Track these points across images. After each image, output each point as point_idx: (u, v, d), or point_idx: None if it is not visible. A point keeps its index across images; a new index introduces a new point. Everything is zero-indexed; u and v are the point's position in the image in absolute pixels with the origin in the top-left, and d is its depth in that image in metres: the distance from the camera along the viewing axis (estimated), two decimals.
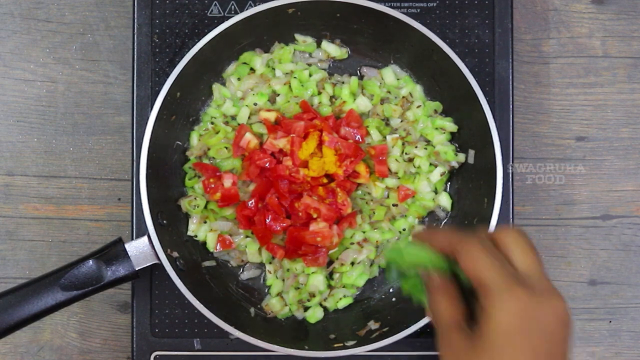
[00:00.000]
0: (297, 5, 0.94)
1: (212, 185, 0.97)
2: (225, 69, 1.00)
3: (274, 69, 1.01)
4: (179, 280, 0.91)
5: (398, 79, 1.01)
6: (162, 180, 0.97)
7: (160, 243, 0.91)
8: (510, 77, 0.99)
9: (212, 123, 0.99)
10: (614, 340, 1.05)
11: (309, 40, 1.01)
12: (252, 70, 1.01)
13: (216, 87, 1.00)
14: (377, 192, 0.99)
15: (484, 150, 0.95)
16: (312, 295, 0.99)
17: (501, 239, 0.71)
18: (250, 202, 0.96)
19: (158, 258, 0.91)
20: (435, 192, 1.01)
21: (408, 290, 0.80)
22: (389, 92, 1.00)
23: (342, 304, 1.00)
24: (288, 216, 0.97)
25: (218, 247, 0.98)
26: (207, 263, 0.99)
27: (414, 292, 0.79)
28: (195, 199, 0.98)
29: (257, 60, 1.00)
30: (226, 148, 0.98)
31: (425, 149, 0.99)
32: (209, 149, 0.99)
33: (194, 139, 0.99)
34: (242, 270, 1.00)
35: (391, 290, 1.01)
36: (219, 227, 0.98)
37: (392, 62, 1.01)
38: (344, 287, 1.00)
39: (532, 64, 1.06)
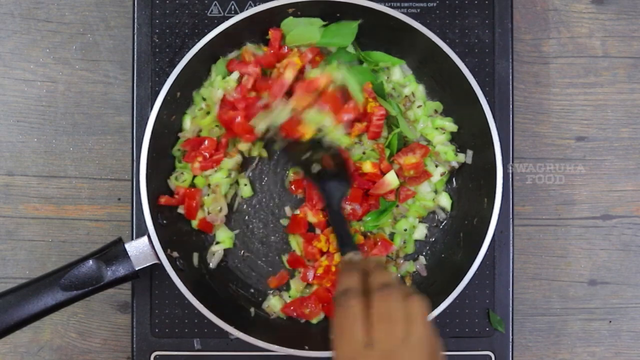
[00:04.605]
0: (297, 5, 0.95)
1: (193, 153, 0.97)
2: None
3: None
4: (179, 280, 0.91)
5: (405, 77, 1.01)
6: (162, 180, 0.97)
7: (160, 243, 0.91)
8: (510, 77, 0.99)
9: (205, 99, 0.98)
10: (614, 340, 1.05)
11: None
12: None
13: (214, 68, 0.99)
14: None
15: (484, 150, 0.95)
16: None
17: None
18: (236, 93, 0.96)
19: (158, 258, 0.91)
20: (436, 192, 1.01)
21: None
22: (393, 88, 1.00)
23: None
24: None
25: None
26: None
27: None
28: (182, 173, 0.98)
29: None
30: (217, 126, 0.97)
31: None
32: (201, 131, 0.98)
33: (187, 122, 0.99)
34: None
35: None
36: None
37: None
38: None
39: (532, 64, 1.06)
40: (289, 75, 0.96)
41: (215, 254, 1.00)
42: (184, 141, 0.98)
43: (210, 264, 1.00)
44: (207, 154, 0.97)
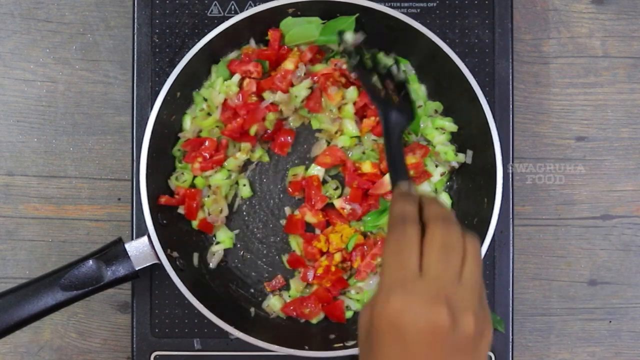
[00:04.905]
0: (297, 5, 0.95)
1: (193, 154, 0.97)
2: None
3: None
4: (179, 280, 0.91)
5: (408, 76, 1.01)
6: (162, 180, 0.97)
7: (160, 243, 0.91)
8: (510, 77, 0.99)
9: (206, 100, 0.98)
10: (614, 340, 1.05)
11: None
12: None
13: (215, 69, 0.99)
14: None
15: (484, 150, 0.95)
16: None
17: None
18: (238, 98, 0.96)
19: (158, 258, 0.91)
20: (436, 192, 1.01)
21: None
22: None
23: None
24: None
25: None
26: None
27: None
28: (182, 174, 0.98)
29: None
30: (218, 127, 0.97)
31: None
32: (201, 131, 0.98)
33: (187, 122, 0.99)
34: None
35: None
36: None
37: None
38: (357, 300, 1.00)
39: (532, 64, 1.06)
40: (289, 65, 0.96)
41: (215, 254, 1.00)
42: (184, 142, 0.98)
43: (210, 264, 1.00)
44: (207, 155, 0.97)
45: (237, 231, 1.01)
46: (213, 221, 0.98)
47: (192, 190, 0.98)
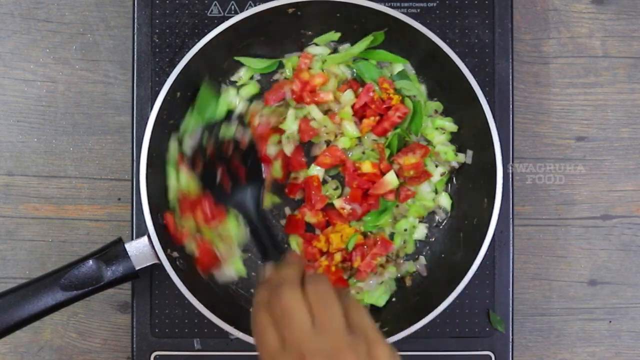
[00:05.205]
0: (297, 5, 0.95)
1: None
2: (224, 69, 1.00)
3: None
4: (179, 280, 0.91)
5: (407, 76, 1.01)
6: (162, 180, 0.97)
7: (160, 243, 0.91)
8: (510, 77, 0.99)
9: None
10: (614, 340, 1.05)
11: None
12: None
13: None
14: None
15: (484, 150, 0.95)
16: None
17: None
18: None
19: (158, 258, 0.91)
20: (436, 192, 1.01)
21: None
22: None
23: None
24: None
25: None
26: None
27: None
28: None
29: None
30: None
31: None
32: None
33: (172, 178, 0.93)
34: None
35: None
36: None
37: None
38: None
39: (532, 64, 1.06)
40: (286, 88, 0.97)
41: None
42: (178, 195, 0.92)
43: None
44: (208, 212, 0.91)
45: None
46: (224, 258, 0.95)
47: (204, 243, 0.92)
